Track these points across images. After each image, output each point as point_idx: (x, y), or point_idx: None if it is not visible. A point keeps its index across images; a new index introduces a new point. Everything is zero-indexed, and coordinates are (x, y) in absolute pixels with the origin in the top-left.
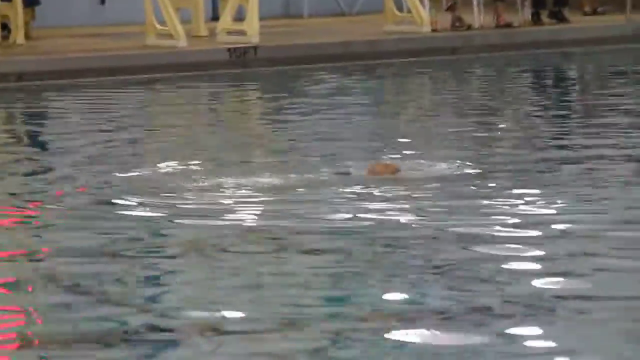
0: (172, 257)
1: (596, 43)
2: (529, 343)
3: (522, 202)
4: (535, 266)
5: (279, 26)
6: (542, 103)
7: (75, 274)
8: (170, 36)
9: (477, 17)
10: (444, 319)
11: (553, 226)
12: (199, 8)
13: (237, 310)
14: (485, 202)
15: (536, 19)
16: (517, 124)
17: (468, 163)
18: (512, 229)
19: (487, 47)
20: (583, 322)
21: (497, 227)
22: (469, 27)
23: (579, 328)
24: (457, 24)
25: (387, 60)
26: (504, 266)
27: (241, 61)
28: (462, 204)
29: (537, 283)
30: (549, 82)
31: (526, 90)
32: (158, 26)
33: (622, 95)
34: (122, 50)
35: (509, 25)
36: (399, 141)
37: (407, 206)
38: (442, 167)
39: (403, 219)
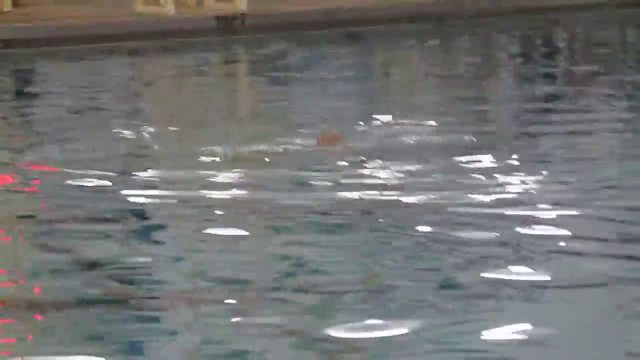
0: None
1: (583, 9)
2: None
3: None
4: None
5: None
6: (527, 72)
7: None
8: (158, 3)
9: None
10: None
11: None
12: None
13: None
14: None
15: None
16: (500, 93)
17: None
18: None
19: (477, 12)
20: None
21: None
22: None
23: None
24: None
25: (374, 27)
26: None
27: (229, 28)
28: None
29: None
30: (536, 49)
31: (513, 58)
32: None
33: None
34: (110, 18)
35: None
36: (372, 110)
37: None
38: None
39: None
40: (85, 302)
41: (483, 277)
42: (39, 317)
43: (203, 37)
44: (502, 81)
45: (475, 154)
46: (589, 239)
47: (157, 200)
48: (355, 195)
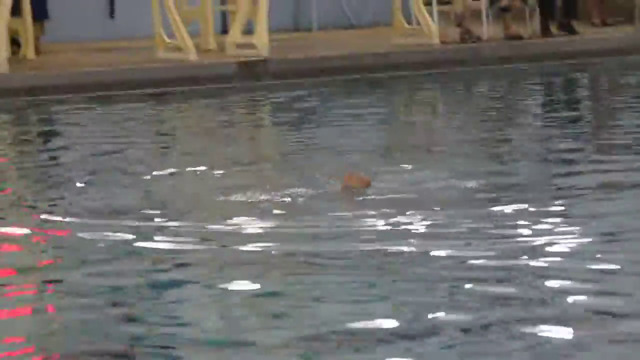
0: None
1: (606, 54)
2: None
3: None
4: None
5: (288, 39)
6: (552, 116)
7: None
8: (179, 50)
9: (486, 28)
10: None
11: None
12: (208, 21)
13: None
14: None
15: (545, 31)
16: (525, 138)
17: (458, 178)
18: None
19: (496, 59)
20: None
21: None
22: (478, 39)
23: None
24: (466, 35)
25: (396, 73)
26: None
27: (251, 74)
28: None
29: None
30: (560, 94)
31: (536, 103)
32: (167, 40)
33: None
34: (131, 64)
35: (518, 37)
36: (396, 153)
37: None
38: (428, 181)
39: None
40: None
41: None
42: None
43: (225, 83)
44: (527, 127)
45: (502, 203)
46: (623, 295)
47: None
48: (378, 246)
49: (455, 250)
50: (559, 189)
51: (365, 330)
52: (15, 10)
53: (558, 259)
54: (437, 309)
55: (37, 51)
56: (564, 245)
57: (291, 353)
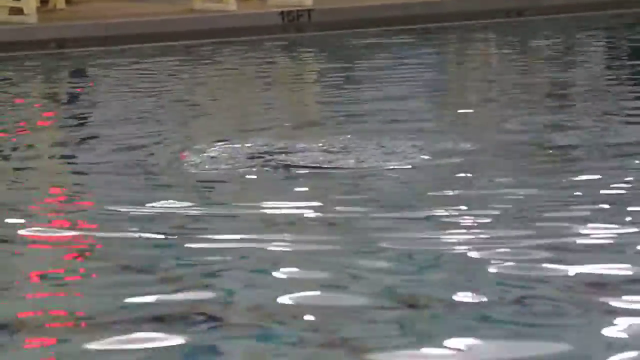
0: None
1: None
2: None
3: None
4: None
5: None
6: (614, 73)
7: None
8: (219, 0)
9: None
10: None
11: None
12: None
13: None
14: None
15: None
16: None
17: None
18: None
19: (555, 8)
20: None
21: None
22: None
23: None
24: None
25: (448, 23)
26: None
27: (294, 25)
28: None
29: None
30: (622, 47)
31: (597, 57)
32: None
33: None
34: (167, 15)
35: None
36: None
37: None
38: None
39: None
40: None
41: None
42: None
43: (266, 34)
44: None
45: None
46: None
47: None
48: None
49: None
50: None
51: None
52: None
53: None
54: None
55: (68, 1)
56: None
57: None
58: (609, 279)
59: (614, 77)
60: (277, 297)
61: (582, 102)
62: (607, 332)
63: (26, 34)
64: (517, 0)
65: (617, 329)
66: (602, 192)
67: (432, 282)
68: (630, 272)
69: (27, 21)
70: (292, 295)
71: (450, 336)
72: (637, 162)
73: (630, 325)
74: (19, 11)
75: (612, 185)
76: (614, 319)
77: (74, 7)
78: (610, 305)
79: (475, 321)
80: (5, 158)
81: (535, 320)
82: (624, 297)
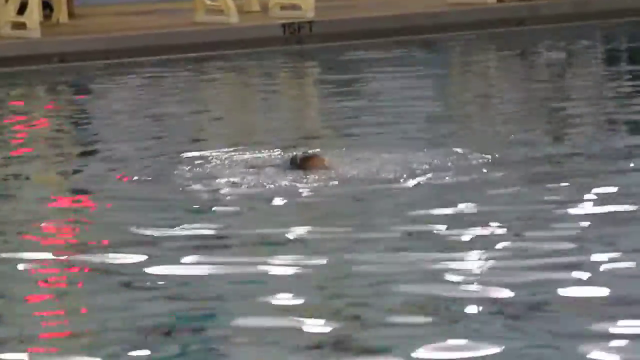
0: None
1: None
2: None
3: None
4: None
5: (334, 0)
6: (615, 82)
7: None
8: (220, 12)
9: None
10: None
11: None
12: None
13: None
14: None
15: None
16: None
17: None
18: None
19: (556, 17)
20: None
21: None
22: None
23: None
24: None
25: (449, 34)
26: None
27: (296, 37)
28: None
29: None
30: (624, 55)
31: (598, 65)
32: (208, 2)
33: None
34: (169, 28)
35: None
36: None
37: None
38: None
39: None
40: None
41: None
42: None
43: (268, 46)
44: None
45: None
46: None
47: None
48: None
49: None
50: None
51: None
52: None
53: None
54: None
55: (71, 15)
56: None
57: None
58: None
59: (616, 85)
60: None
61: (583, 114)
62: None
63: (29, 48)
64: (517, 10)
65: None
66: (605, 204)
67: None
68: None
69: (30, 35)
70: None
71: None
72: None
73: None
74: (22, 26)
75: (615, 195)
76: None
77: (77, 21)
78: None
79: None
80: (5, 173)
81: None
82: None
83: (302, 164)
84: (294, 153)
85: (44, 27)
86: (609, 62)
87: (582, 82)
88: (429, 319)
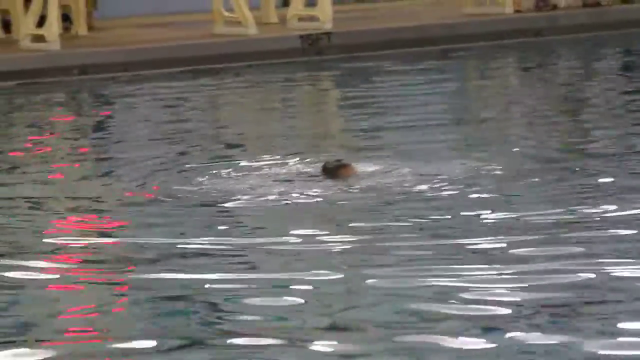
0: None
1: None
2: None
3: None
4: None
5: (352, 11)
6: (633, 93)
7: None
8: (239, 24)
9: None
10: None
11: None
12: None
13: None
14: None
15: None
16: (606, 113)
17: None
18: None
19: (574, 28)
20: None
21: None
22: (554, 7)
23: None
24: (541, 3)
25: (466, 44)
26: None
27: (314, 48)
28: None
29: None
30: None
31: (616, 75)
32: (226, 14)
33: None
34: (188, 40)
35: (597, 4)
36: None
37: None
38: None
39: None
40: None
41: None
42: None
43: (287, 58)
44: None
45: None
46: None
47: None
48: None
49: None
50: None
51: None
52: None
53: None
54: None
55: (90, 27)
56: None
57: None
58: None
59: (634, 98)
60: None
61: (601, 124)
62: None
63: (49, 61)
64: (535, 20)
65: None
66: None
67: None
68: None
69: (49, 48)
70: None
71: None
72: None
73: None
74: (41, 38)
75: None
76: None
77: (96, 33)
78: None
79: None
80: (24, 183)
81: None
82: None
83: (334, 173)
84: (326, 162)
85: (63, 39)
86: (626, 71)
87: (599, 93)
88: (445, 330)
